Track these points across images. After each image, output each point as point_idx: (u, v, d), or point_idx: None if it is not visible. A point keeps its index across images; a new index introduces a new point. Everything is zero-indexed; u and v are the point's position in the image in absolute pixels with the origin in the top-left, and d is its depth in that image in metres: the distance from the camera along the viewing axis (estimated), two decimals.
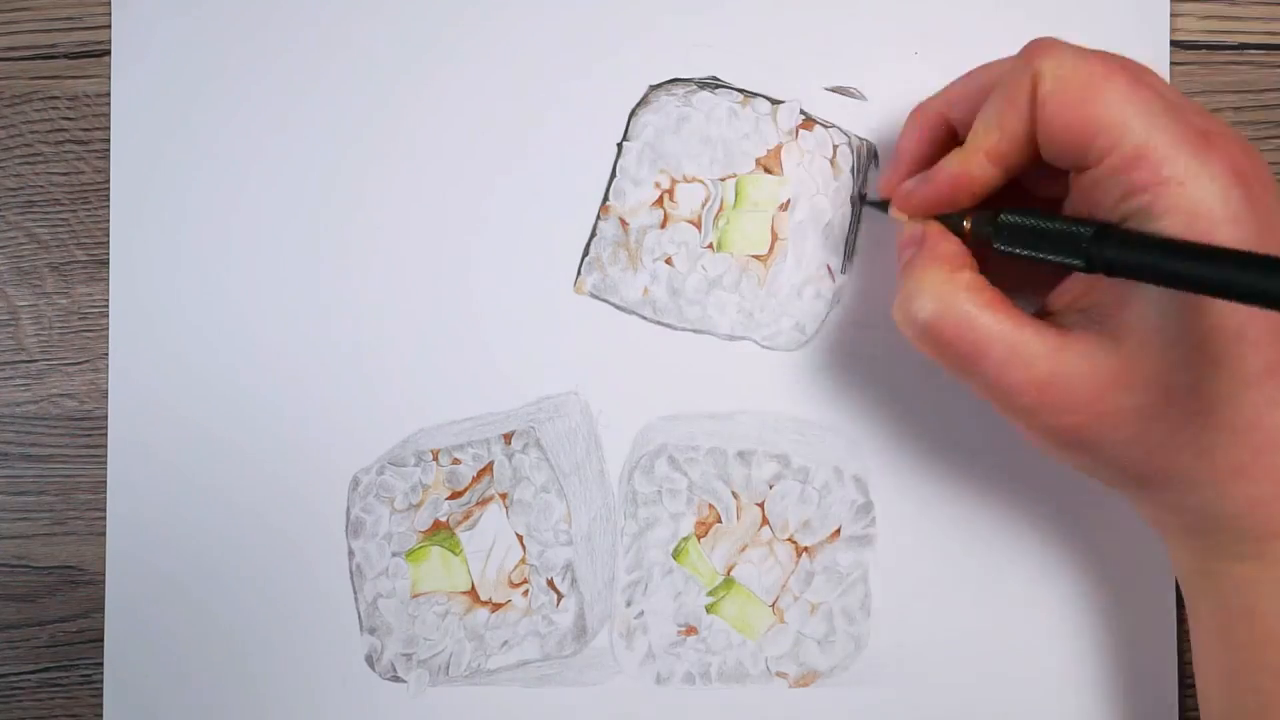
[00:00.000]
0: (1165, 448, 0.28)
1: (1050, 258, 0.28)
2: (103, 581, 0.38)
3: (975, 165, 0.30)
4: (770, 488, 0.37)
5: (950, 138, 0.32)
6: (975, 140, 0.30)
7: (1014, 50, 0.37)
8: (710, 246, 0.38)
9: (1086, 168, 0.28)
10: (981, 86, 0.31)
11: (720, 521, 0.37)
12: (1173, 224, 0.27)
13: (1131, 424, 0.28)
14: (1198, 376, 0.27)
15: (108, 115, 0.38)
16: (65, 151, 0.38)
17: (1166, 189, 0.27)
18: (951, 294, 0.29)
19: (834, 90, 0.37)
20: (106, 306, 0.38)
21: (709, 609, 0.37)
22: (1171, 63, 0.37)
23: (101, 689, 0.37)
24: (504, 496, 0.37)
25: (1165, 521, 0.30)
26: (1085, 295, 0.30)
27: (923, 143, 0.33)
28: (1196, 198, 0.26)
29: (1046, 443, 0.29)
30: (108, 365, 0.38)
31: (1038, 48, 0.29)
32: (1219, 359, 0.27)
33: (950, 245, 0.31)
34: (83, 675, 0.38)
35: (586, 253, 0.38)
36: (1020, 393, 0.29)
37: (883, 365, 0.37)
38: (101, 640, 0.38)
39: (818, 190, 0.37)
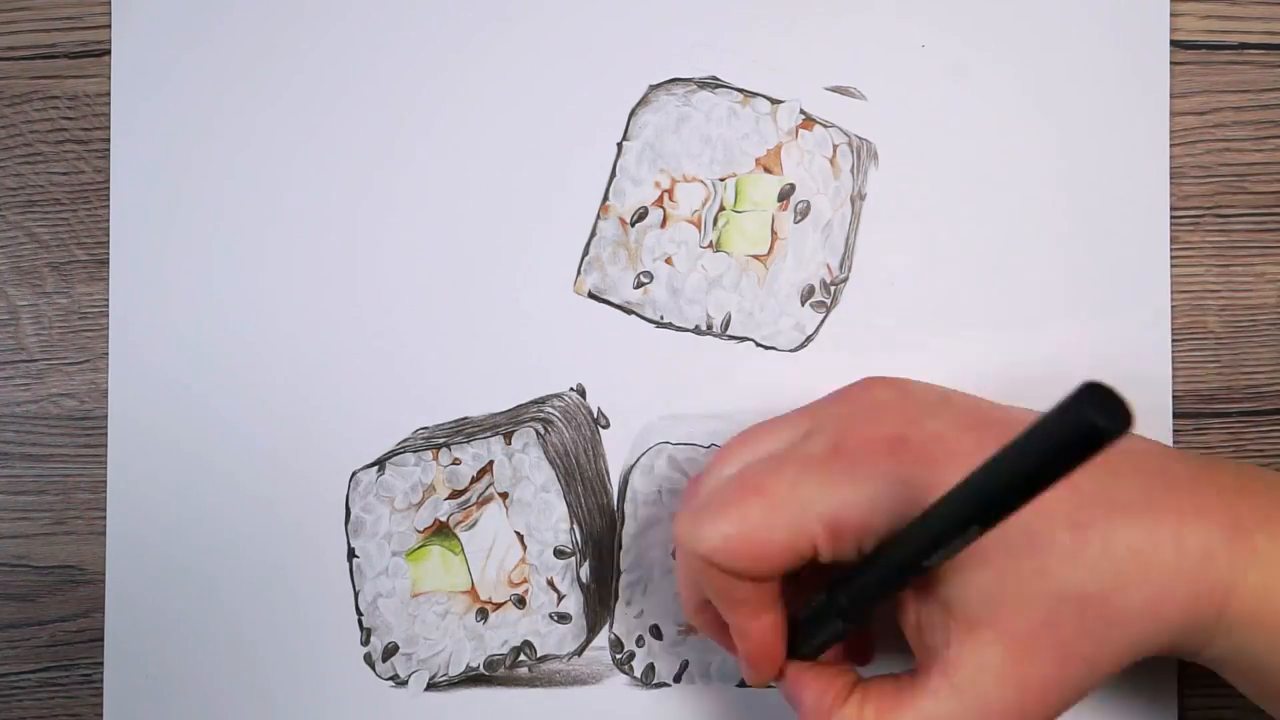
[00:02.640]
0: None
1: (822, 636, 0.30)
2: (103, 581, 0.38)
3: (748, 635, 0.30)
4: None
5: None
6: (730, 616, 0.30)
7: (1013, 50, 0.37)
8: (710, 246, 0.38)
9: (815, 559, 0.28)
10: (694, 587, 0.31)
11: None
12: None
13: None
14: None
15: (108, 115, 0.38)
16: (65, 151, 0.38)
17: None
18: None
19: (834, 90, 0.37)
20: (106, 306, 0.38)
21: None
22: (1172, 63, 0.37)
23: (101, 689, 0.37)
24: (504, 496, 0.37)
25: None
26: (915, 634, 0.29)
27: (718, 629, 0.32)
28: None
29: None
30: (108, 365, 0.38)
31: (678, 537, 0.29)
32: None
33: (820, 681, 0.30)
34: (83, 675, 0.38)
35: (586, 253, 0.38)
36: None
37: (883, 365, 0.37)
38: (101, 640, 0.38)
39: (818, 190, 0.37)
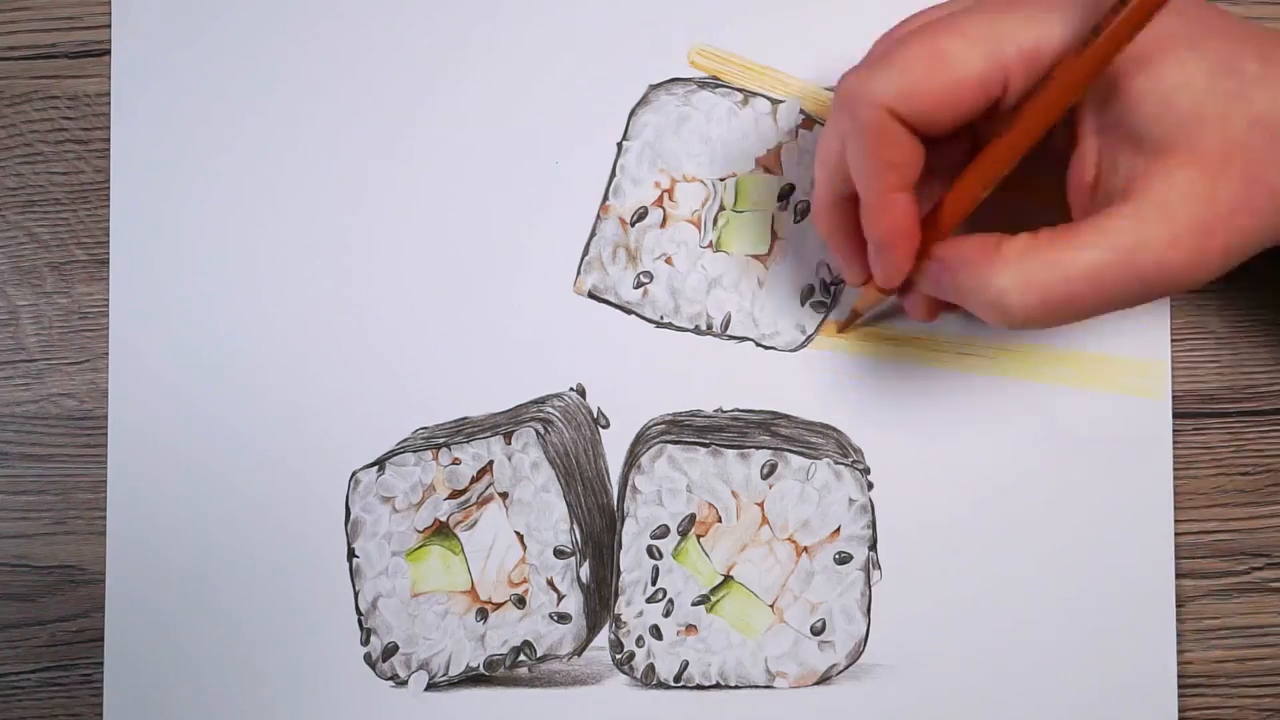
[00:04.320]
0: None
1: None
2: (103, 581, 0.38)
3: (891, 208, 0.29)
4: (770, 487, 0.37)
5: (852, 199, 0.31)
6: (875, 185, 0.29)
7: None
8: (710, 246, 0.38)
9: (995, 108, 0.28)
10: (841, 144, 0.30)
11: (720, 521, 0.37)
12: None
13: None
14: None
15: (108, 115, 0.38)
16: (65, 151, 0.38)
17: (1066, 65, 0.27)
18: (1029, 271, 0.28)
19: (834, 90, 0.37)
20: (106, 306, 0.38)
21: (709, 609, 0.37)
22: None
23: (101, 689, 0.37)
24: (504, 496, 0.37)
25: None
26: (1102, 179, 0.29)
27: (846, 235, 0.32)
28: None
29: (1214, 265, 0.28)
30: (108, 365, 0.38)
31: (850, 90, 0.29)
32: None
33: (976, 238, 0.29)
34: (83, 675, 0.38)
35: (586, 252, 0.38)
36: (1170, 267, 0.28)
37: (883, 365, 0.37)
38: (101, 640, 0.38)
39: None
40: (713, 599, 0.37)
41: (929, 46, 0.28)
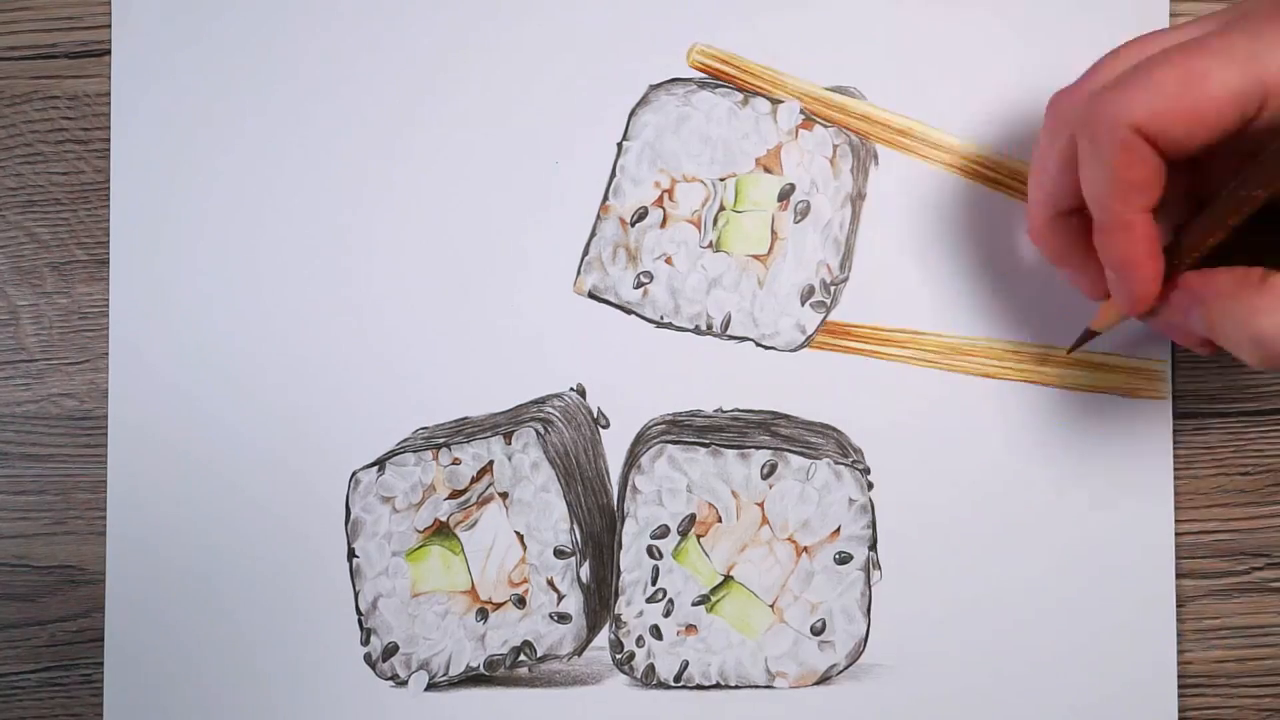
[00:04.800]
0: None
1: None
2: (103, 581, 0.38)
3: (1132, 231, 0.28)
4: (770, 487, 0.37)
5: (1073, 214, 0.31)
6: (1116, 206, 0.28)
7: (1013, 50, 0.37)
8: (710, 246, 0.38)
9: (1243, 130, 0.27)
10: (1061, 163, 0.30)
11: (720, 521, 0.37)
12: None
13: None
14: None
15: (108, 115, 0.38)
16: (65, 151, 0.38)
17: None
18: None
19: (834, 90, 0.37)
20: (106, 306, 0.38)
21: (709, 609, 0.37)
22: None
23: (101, 689, 0.37)
24: (504, 496, 0.37)
25: None
26: None
27: (1072, 250, 0.31)
28: None
29: None
30: (108, 365, 0.38)
31: (1097, 108, 0.27)
32: None
33: (1230, 270, 0.28)
34: (83, 675, 0.38)
35: (586, 252, 0.38)
36: None
37: (883, 365, 0.37)
38: (101, 640, 0.38)
39: (818, 190, 0.37)
40: (713, 599, 0.37)
41: (1184, 66, 0.27)
